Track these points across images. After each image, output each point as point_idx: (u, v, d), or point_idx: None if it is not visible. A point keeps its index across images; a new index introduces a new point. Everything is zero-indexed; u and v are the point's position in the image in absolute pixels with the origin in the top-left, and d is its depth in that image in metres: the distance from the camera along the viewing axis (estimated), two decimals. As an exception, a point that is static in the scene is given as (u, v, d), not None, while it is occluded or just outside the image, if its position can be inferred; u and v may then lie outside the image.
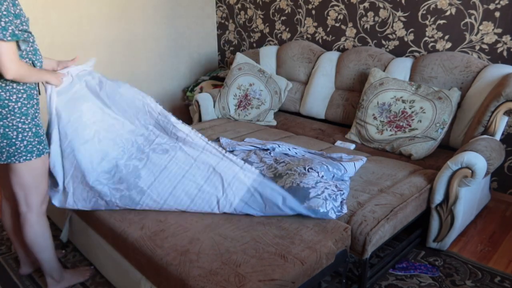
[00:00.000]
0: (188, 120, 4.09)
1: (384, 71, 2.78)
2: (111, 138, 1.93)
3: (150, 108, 2.01)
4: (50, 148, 1.77)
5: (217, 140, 2.71)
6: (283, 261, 1.46)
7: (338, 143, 2.72)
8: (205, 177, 1.87)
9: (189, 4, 3.95)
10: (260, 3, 3.80)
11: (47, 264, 1.84)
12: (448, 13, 2.69)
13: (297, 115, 3.39)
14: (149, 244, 1.58)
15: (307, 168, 2.01)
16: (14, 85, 1.52)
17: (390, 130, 2.56)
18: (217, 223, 1.70)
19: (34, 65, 1.59)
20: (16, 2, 1.49)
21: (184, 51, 4.04)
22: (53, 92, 1.80)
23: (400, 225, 1.90)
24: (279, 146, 2.47)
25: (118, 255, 1.77)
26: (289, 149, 2.44)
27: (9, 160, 1.57)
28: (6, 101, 1.51)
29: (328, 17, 3.33)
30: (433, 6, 2.74)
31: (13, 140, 1.55)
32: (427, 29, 2.81)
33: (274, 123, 3.27)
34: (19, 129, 1.55)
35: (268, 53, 3.53)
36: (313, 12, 3.42)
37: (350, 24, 3.21)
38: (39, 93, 1.75)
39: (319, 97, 3.15)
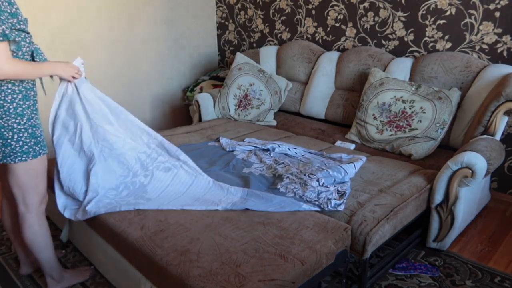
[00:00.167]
0: (188, 120, 4.09)
1: (384, 71, 2.78)
2: (115, 156, 1.99)
3: (152, 133, 2.10)
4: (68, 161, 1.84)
5: (217, 140, 2.72)
6: (283, 261, 1.46)
7: (338, 143, 2.72)
8: (206, 188, 2.00)
9: (189, 4, 3.95)
10: (260, 3, 3.80)
11: (47, 264, 1.83)
12: (448, 13, 2.69)
13: (297, 115, 3.39)
14: (149, 244, 1.58)
15: (307, 175, 2.02)
16: (10, 85, 1.51)
17: (390, 130, 2.56)
18: (217, 223, 1.70)
19: None
20: (12, 1, 1.48)
21: (184, 51, 4.04)
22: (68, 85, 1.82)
23: (400, 225, 1.90)
24: (279, 146, 2.47)
25: (118, 255, 1.77)
26: (289, 149, 2.45)
27: (5, 160, 1.57)
28: (1, 102, 1.50)
29: (328, 17, 3.33)
30: (433, 6, 2.74)
31: (9, 141, 1.54)
32: (427, 29, 2.81)
33: (274, 123, 3.27)
34: (15, 130, 1.55)
35: (268, 53, 3.53)
36: (313, 12, 3.42)
37: (350, 24, 3.21)
38: (45, 94, 1.74)
39: (319, 97, 3.15)
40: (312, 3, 3.40)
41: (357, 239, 1.74)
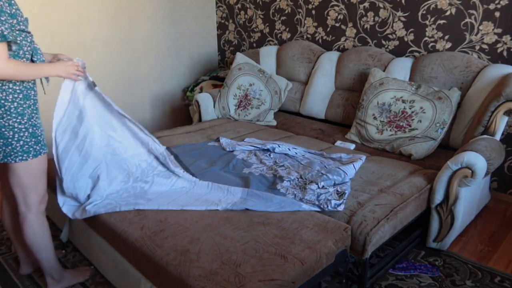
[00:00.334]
0: (188, 120, 4.09)
1: (384, 71, 2.78)
2: (116, 161, 2.01)
3: (152, 146, 2.13)
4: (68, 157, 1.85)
5: (217, 140, 2.72)
6: (283, 261, 1.46)
7: (338, 143, 2.72)
8: (207, 190, 2.02)
9: (189, 4, 3.95)
10: (260, 3, 3.80)
11: (47, 264, 1.84)
12: (448, 13, 2.69)
13: (297, 115, 3.39)
14: (149, 244, 1.58)
15: (307, 183, 2.03)
16: (11, 85, 1.52)
17: (390, 130, 2.56)
18: (217, 223, 1.70)
19: None
20: (13, 1, 1.49)
21: (184, 51, 4.04)
22: (74, 89, 1.83)
23: (400, 225, 1.90)
24: (279, 146, 2.47)
25: (118, 255, 1.77)
26: (289, 149, 2.45)
27: (6, 160, 1.57)
28: (2, 101, 1.51)
29: (328, 17, 3.33)
30: (433, 6, 2.74)
31: (9, 140, 1.55)
32: (427, 29, 2.81)
33: (274, 123, 3.27)
34: (15, 129, 1.55)
35: (268, 53, 3.53)
36: (313, 12, 3.42)
37: (350, 24, 3.21)
38: (44, 93, 1.74)
39: (319, 97, 3.15)
40: (312, 3, 3.40)
41: (357, 239, 1.74)
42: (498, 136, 2.26)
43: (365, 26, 3.12)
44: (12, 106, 1.53)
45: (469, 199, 2.19)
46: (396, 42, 2.98)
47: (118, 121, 2.01)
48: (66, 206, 1.93)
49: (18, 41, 1.50)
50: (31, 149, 1.60)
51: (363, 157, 2.26)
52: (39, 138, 1.64)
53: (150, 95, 3.87)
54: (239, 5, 3.99)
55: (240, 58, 3.38)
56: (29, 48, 1.57)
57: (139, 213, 1.80)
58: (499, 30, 2.51)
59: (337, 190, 1.96)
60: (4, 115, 1.52)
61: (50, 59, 1.79)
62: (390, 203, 1.90)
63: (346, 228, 1.71)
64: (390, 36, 3.00)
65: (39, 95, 1.69)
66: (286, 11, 3.62)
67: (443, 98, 2.43)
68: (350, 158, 2.32)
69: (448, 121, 2.41)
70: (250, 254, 1.50)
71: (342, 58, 3.06)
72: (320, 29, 3.42)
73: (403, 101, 2.54)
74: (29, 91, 1.59)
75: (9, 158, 1.57)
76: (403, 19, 2.91)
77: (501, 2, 2.47)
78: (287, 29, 3.66)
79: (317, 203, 1.88)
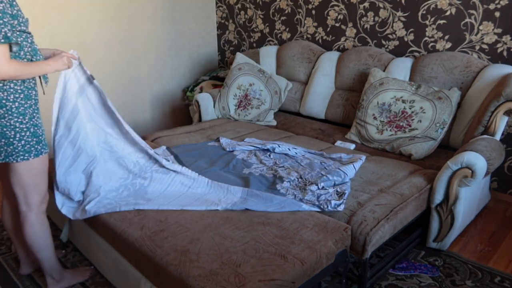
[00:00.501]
0: (188, 120, 4.09)
1: (384, 71, 2.78)
2: (115, 159, 2.01)
3: (146, 145, 2.11)
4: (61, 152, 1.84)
5: (217, 140, 2.72)
6: (283, 261, 1.46)
7: (338, 143, 2.72)
8: (206, 188, 2.01)
9: (189, 4, 3.95)
10: (260, 3, 3.80)
11: (47, 264, 1.84)
12: (448, 13, 2.69)
13: (297, 115, 3.39)
14: (149, 244, 1.58)
15: (307, 184, 2.03)
16: (12, 85, 1.52)
17: (390, 130, 2.56)
18: (217, 223, 1.70)
19: None
20: (14, 2, 1.49)
21: (184, 51, 4.04)
22: (68, 83, 1.82)
23: (400, 225, 1.90)
24: (279, 146, 2.47)
25: (118, 255, 1.77)
26: (289, 149, 2.45)
27: (7, 160, 1.58)
28: (3, 101, 1.51)
29: (328, 17, 3.33)
30: (433, 6, 2.74)
31: (11, 140, 1.55)
32: (427, 29, 2.81)
33: (274, 123, 3.27)
34: (17, 129, 1.55)
35: (268, 53, 3.53)
36: (313, 12, 3.42)
37: (350, 24, 3.21)
38: (44, 93, 1.75)
39: (319, 97, 3.15)
40: (312, 3, 3.40)
41: (357, 239, 1.74)
42: (498, 136, 2.26)
43: (365, 26, 3.12)
44: (13, 106, 1.53)
45: (469, 199, 2.19)
46: (396, 42, 2.98)
47: (114, 118, 2.00)
48: (66, 208, 1.93)
49: (19, 42, 1.50)
50: (32, 148, 1.61)
51: (363, 157, 2.26)
52: (40, 137, 1.64)
53: (150, 95, 3.87)
54: (239, 5, 3.99)
55: (240, 58, 3.38)
56: (29, 49, 1.57)
57: (139, 213, 1.80)
58: (499, 30, 2.51)
59: (337, 191, 1.96)
60: (6, 115, 1.53)
61: (48, 54, 1.79)
62: (390, 203, 1.90)
63: (346, 228, 1.71)
64: (390, 36, 3.00)
65: (39, 95, 1.69)
66: (286, 11, 3.62)
67: (443, 98, 2.43)
68: (350, 158, 2.32)
69: (448, 121, 2.41)
70: (250, 254, 1.50)
71: (342, 58, 3.06)
72: (320, 29, 3.42)
73: (403, 101, 2.55)
74: (30, 91, 1.60)
75: (10, 157, 1.58)
76: (403, 19, 2.91)
77: (501, 2, 2.47)
78: (287, 29, 3.66)
79: (317, 203, 1.88)
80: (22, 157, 1.59)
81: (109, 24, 3.41)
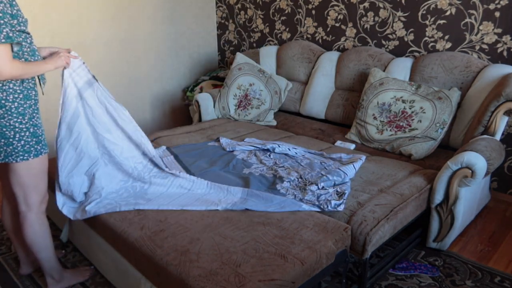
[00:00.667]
0: (188, 120, 4.09)
1: (384, 71, 2.78)
2: (114, 162, 2.02)
3: (146, 148, 2.10)
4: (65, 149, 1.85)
5: (217, 140, 2.72)
6: (283, 261, 1.46)
7: (338, 143, 2.72)
8: (206, 189, 2.01)
9: (189, 4, 3.95)
10: (260, 3, 3.80)
11: (47, 264, 1.84)
12: (448, 13, 2.69)
13: (297, 115, 3.39)
14: (149, 244, 1.58)
15: (307, 184, 2.02)
16: (11, 85, 1.52)
17: (390, 130, 2.56)
18: (217, 223, 1.70)
19: None
20: (14, 2, 1.49)
21: (184, 51, 4.04)
22: (69, 86, 1.82)
23: (400, 225, 1.90)
24: (279, 146, 2.47)
25: (118, 255, 1.77)
26: (289, 149, 2.45)
27: (7, 160, 1.58)
28: (3, 101, 1.51)
29: (328, 17, 3.33)
30: (433, 6, 2.74)
31: (11, 140, 1.55)
32: (427, 29, 2.81)
33: (274, 123, 3.27)
34: (16, 129, 1.55)
35: (268, 53, 3.53)
36: (313, 12, 3.42)
37: (350, 24, 3.21)
38: (43, 93, 1.75)
39: (319, 97, 3.14)
40: (312, 3, 3.40)
41: (357, 239, 1.74)
42: (498, 136, 2.26)
43: (365, 26, 3.12)
44: (13, 106, 1.53)
45: (469, 199, 2.19)
46: (396, 42, 2.98)
47: (113, 123, 1.99)
48: (66, 208, 1.93)
49: (20, 42, 1.50)
50: (32, 148, 1.61)
51: (363, 157, 2.26)
52: (40, 138, 1.64)
53: (150, 95, 3.87)
54: (239, 5, 3.99)
55: (240, 58, 3.38)
56: (28, 49, 1.57)
57: (139, 213, 1.80)
58: (499, 30, 2.51)
59: (337, 191, 1.96)
60: (5, 115, 1.53)
61: (45, 53, 1.78)
62: (390, 203, 1.90)
63: (346, 228, 1.71)
64: (390, 36, 3.00)
65: (38, 95, 1.69)
66: (286, 11, 3.62)
67: (443, 98, 2.43)
68: (350, 158, 2.32)
69: (448, 121, 2.41)
70: (250, 254, 1.50)
71: (342, 58, 3.06)
72: (320, 29, 3.42)
73: (403, 101, 2.54)
74: (29, 91, 1.60)
75: (10, 158, 1.58)
76: (403, 19, 2.91)
77: (501, 2, 2.47)
78: (287, 29, 3.66)
79: (317, 203, 1.88)
80: (21, 157, 1.59)
81: (109, 24, 3.41)
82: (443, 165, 2.09)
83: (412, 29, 2.88)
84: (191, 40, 4.07)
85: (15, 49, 1.50)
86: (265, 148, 2.50)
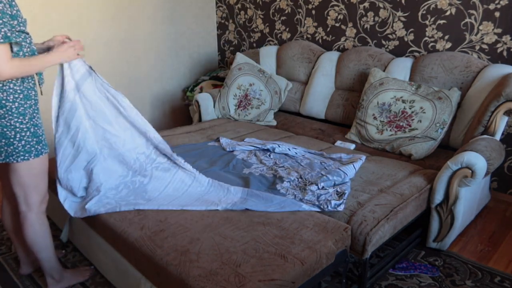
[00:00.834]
0: (188, 120, 4.09)
1: (384, 71, 2.78)
2: (114, 156, 1.99)
3: (150, 135, 2.07)
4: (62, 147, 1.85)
5: (217, 140, 2.72)
6: (283, 261, 1.46)
7: (338, 143, 2.72)
8: (207, 188, 2.00)
9: (189, 4, 3.95)
10: (260, 3, 3.80)
11: (47, 264, 1.84)
12: (448, 13, 2.69)
13: (297, 115, 3.39)
14: (149, 244, 1.58)
15: (307, 184, 2.02)
16: (11, 85, 1.52)
17: (390, 130, 2.56)
18: (217, 223, 1.70)
19: None
20: (13, 3, 1.49)
21: (184, 51, 4.04)
22: (65, 79, 1.79)
23: (400, 225, 1.90)
24: (279, 146, 2.47)
25: (118, 255, 1.77)
26: (289, 149, 2.45)
27: (7, 160, 1.58)
28: (3, 101, 1.51)
29: (328, 17, 3.33)
30: (433, 6, 2.74)
31: (11, 140, 1.55)
32: (427, 29, 2.81)
33: (274, 123, 3.27)
34: (17, 129, 1.55)
35: (268, 53, 3.53)
36: (313, 12, 3.42)
37: (350, 24, 3.21)
38: (41, 93, 1.75)
39: (319, 97, 3.15)
40: (312, 3, 3.40)
41: (357, 239, 1.74)
42: (498, 136, 2.26)
43: (365, 26, 3.12)
44: (13, 106, 1.53)
45: (469, 199, 2.19)
46: (396, 42, 2.98)
47: (113, 113, 1.96)
48: (68, 202, 1.92)
49: (19, 42, 1.50)
50: (32, 148, 1.61)
51: (363, 157, 2.26)
52: (40, 137, 1.64)
53: (150, 95, 3.87)
54: (239, 5, 3.99)
55: (240, 58, 3.38)
56: (28, 50, 1.57)
57: (139, 213, 1.80)
58: (499, 30, 2.52)
59: (337, 191, 1.96)
60: (6, 115, 1.53)
61: (42, 50, 1.76)
62: (390, 203, 1.90)
63: (346, 228, 1.71)
64: (390, 36, 3.00)
65: (38, 95, 1.69)
66: (286, 11, 3.62)
67: (443, 98, 2.43)
68: (350, 158, 2.32)
69: (448, 121, 2.41)
70: (250, 254, 1.50)
71: (342, 58, 3.06)
72: (320, 29, 3.42)
73: (403, 101, 2.55)
74: (29, 91, 1.60)
75: (11, 158, 1.58)
76: (403, 19, 2.91)
77: (501, 2, 2.47)
78: (287, 29, 3.66)
79: (317, 203, 1.88)
80: (22, 157, 1.59)
81: (109, 24, 3.41)
82: (443, 165, 2.09)
83: (412, 29, 2.88)
84: (191, 40, 4.07)
85: (15, 49, 1.50)
86: (265, 148, 2.50)
